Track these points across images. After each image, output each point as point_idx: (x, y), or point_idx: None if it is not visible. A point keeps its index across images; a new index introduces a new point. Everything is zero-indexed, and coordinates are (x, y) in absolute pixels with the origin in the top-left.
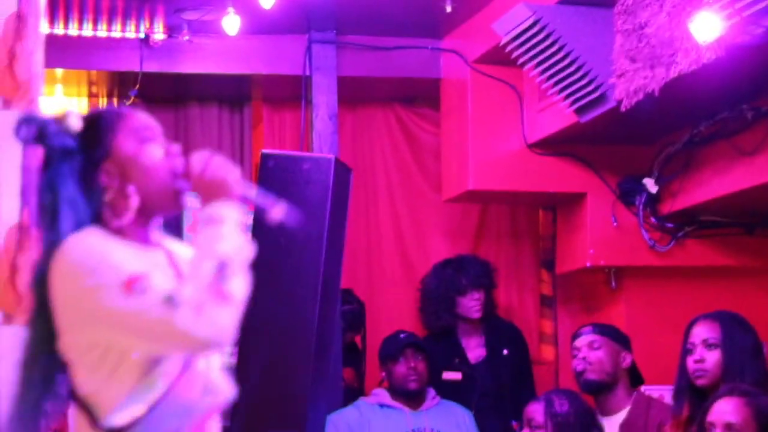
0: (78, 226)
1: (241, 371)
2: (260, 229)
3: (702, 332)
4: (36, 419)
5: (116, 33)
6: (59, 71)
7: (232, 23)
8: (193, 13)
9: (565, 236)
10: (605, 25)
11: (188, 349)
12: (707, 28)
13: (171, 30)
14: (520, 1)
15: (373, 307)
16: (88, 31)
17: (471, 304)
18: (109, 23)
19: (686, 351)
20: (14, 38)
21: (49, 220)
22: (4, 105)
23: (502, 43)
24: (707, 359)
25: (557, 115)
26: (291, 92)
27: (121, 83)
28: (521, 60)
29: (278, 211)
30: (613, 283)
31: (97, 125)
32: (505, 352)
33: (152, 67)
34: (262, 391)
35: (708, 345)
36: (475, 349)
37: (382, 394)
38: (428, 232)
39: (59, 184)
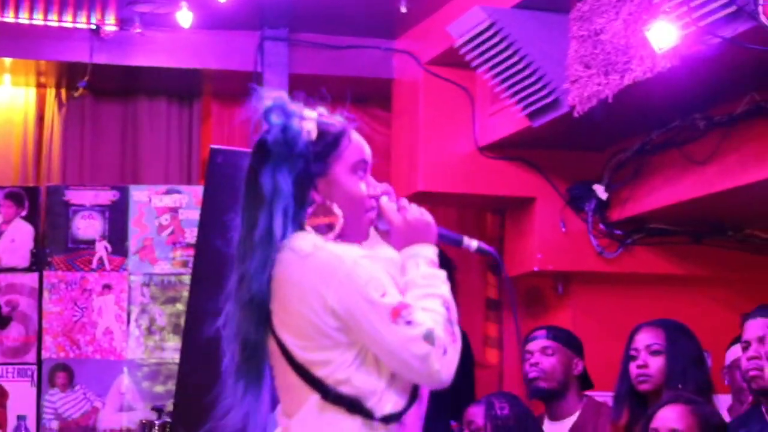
0: (286, 227)
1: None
2: (208, 225)
3: (646, 338)
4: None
5: (67, 23)
6: (7, 60)
7: (185, 17)
8: (145, 5)
9: (513, 240)
10: (560, 30)
11: (428, 384)
12: (663, 37)
13: (123, 22)
14: (475, 4)
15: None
16: (38, 19)
17: None
18: (60, 12)
19: (629, 357)
20: None
21: (265, 210)
22: None
23: (456, 46)
24: (651, 365)
25: (509, 119)
26: (241, 88)
27: (70, 74)
28: (475, 63)
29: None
30: (560, 289)
31: (327, 141)
32: None
33: (102, 58)
34: (204, 388)
35: (652, 351)
36: None
37: None
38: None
39: (281, 180)
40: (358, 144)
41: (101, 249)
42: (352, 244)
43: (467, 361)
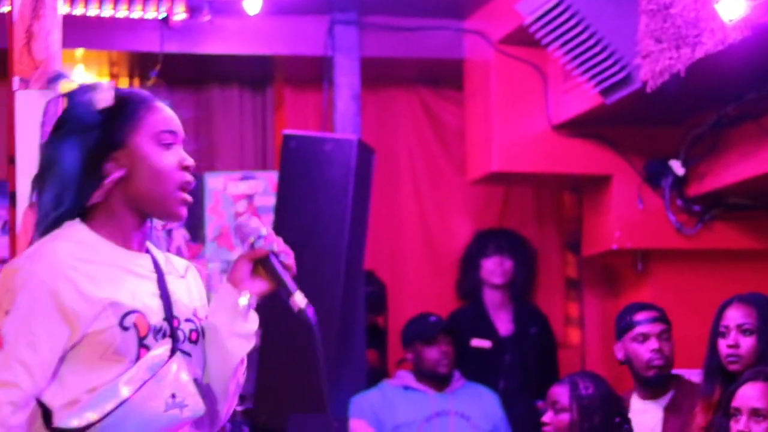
0: (57, 203)
1: (264, 354)
2: (283, 210)
3: (737, 316)
4: None
5: (137, 13)
6: (80, 51)
7: (253, 3)
8: None
9: (590, 219)
10: (630, 5)
11: None
12: (733, 8)
13: (192, 10)
14: None
15: (396, 289)
16: (108, 11)
17: (492, 268)
18: (130, 3)
19: (718, 333)
20: (32, 17)
21: (38, 186)
22: (22, 84)
23: (526, 24)
24: (742, 345)
25: (582, 96)
26: (313, 73)
27: (141, 64)
28: (545, 41)
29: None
30: (640, 266)
31: (124, 110)
32: (532, 330)
33: (173, 47)
34: (286, 374)
35: (743, 330)
36: (503, 323)
37: (407, 377)
38: (451, 214)
39: (61, 154)
40: (162, 113)
41: (179, 237)
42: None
43: (549, 341)
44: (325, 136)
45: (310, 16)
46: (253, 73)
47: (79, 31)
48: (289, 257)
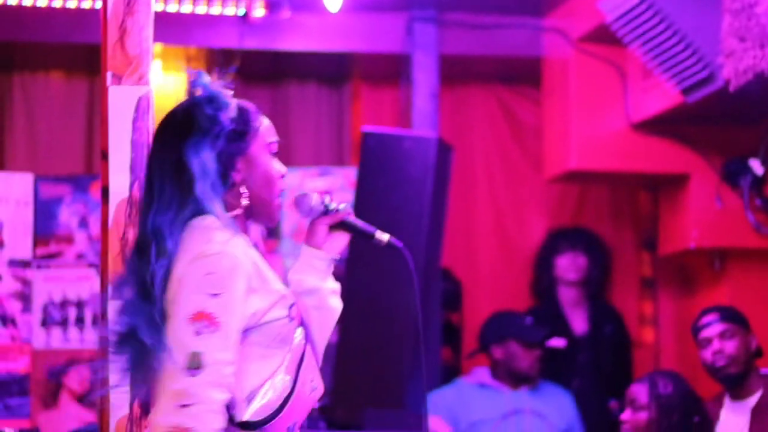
0: (209, 201)
1: (343, 350)
2: (362, 207)
3: None
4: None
5: (216, 9)
6: (158, 47)
7: (333, 1)
8: None
9: (667, 217)
10: (713, 3)
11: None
12: None
13: (271, 7)
14: None
15: (471, 287)
16: (187, 7)
17: (566, 265)
18: (209, 0)
19: None
20: (125, 13)
21: (184, 180)
22: (115, 80)
23: (607, 22)
24: None
25: (662, 95)
26: (390, 70)
27: (219, 60)
28: (627, 39)
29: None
30: (717, 266)
31: (245, 120)
32: (607, 329)
33: (251, 44)
34: (364, 369)
35: None
36: (578, 322)
37: (483, 374)
38: (527, 212)
39: (203, 153)
40: (269, 125)
41: (256, 233)
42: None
43: (624, 341)
44: (405, 134)
45: (389, 13)
46: (330, 70)
47: (157, 27)
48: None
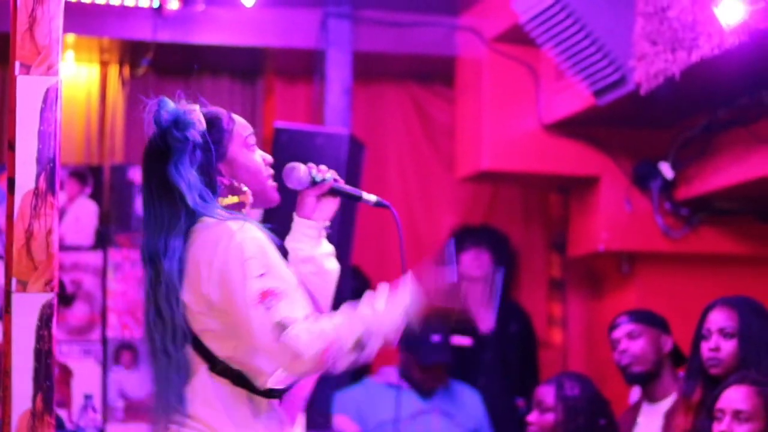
0: (202, 207)
1: None
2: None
3: (719, 319)
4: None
5: (130, 1)
6: (71, 37)
7: None
8: None
9: (577, 219)
10: (626, 6)
11: (283, 367)
12: (731, 13)
13: (185, 0)
14: None
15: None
16: None
17: (469, 261)
18: None
19: (701, 336)
20: (35, 2)
21: (174, 197)
22: (23, 70)
23: (521, 23)
24: (722, 348)
25: (574, 97)
26: (304, 66)
27: (133, 52)
28: (540, 40)
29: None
30: (626, 268)
31: (217, 128)
32: (513, 328)
33: (165, 36)
34: None
35: (724, 334)
36: (482, 320)
37: (391, 374)
38: (439, 211)
39: (183, 170)
40: (241, 122)
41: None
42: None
43: (530, 339)
44: (317, 130)
45: (304, 8)
46: (244, 64)
47: (71, 17)
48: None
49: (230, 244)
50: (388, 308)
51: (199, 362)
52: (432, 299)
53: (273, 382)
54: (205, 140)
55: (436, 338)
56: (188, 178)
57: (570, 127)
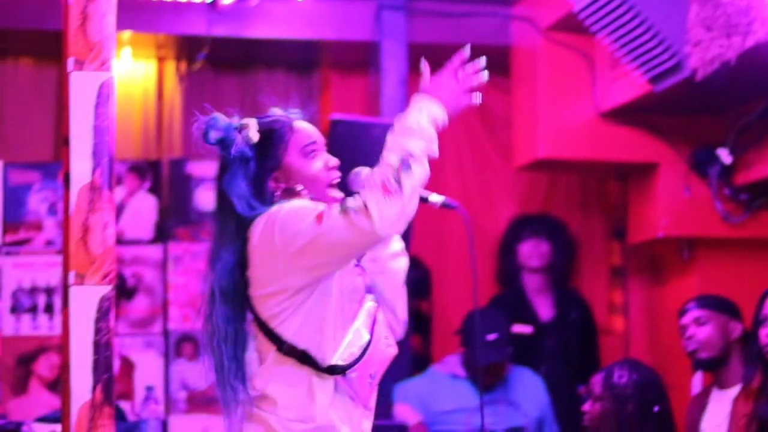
0: (250, 212)
1: None
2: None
3: None
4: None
5: None
6: (127, 34)
7: None
8: None
9: (637, 206)
10: None
11: (370, 241)
12: None
13: None
14: None
15: (440, 274)
16: None
17: (528, 251)
18: None
19: (758, 321)
20: None
21: (228, 207)
22: (77, 66)
23: (575, 11)
24: None
25: (630, 84)
26: (359, 58)
27: (189, 47)
28: (594, 28)
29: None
30: (685, 254)
31: (271, 139)
32: (573, 315)
33: (220, 31)
34: None
35: None
36: (544, 309)
37: (455, 364)
38: (497, 200)
39: (233, 182)
40: (302, 130)
41: None
42: None
43: (590, 327)
44: (373, 121)
45: (358, 0)
46: (299, 58)
47: (126, 14)
48: None
49: (279, 214)
50: (410, 120)
51: (269, 346)
52: (446, 98)
53: (336, 359)
54: (258, 152)
55: (491, 336)
56: (238, 189)
57: (627, 115)
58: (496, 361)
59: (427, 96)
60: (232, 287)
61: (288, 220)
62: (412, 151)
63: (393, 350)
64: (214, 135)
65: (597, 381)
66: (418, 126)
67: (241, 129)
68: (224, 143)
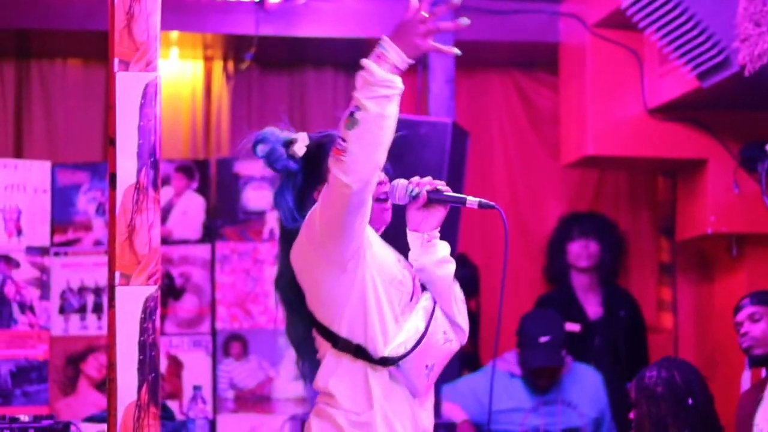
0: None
1: None
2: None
3: None
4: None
5: None
6: (174, 34)
7: None
8: None
9: (685, 203)
10: None
11: (345, 200)
12: None
13: None
14: None
15: (488, 272)
16: None
17: (577, 251)
18: None
19: None
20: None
21: (281, 222)
22: (122, 66)
23: (623, 7)
24: None
25: (678, 80)
26: None
27: (236, 46)
28: (642, 24)
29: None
30: (735, 251)
31: (318, 153)
32: (622, 313)
33: (268, 30)
34: None
35: None
36: (592, 307)
37: (513, 362)
38: (544, 198)
39: (281, 198)
40: None
41: (272, 219)
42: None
43: (638, 324)
44: (420, 119)
45: None
46: (347, 56)
47: (173, 14)
48: (437, 183)
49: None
50: (363, 71)
51: (326, 344)
52: (405, 41)
53: (389, 351)
54: (305, 166)
55: (544, 339)
56: (284, 202)
57: (675, 111)
58: (547, 366)
59: (388, 39)
60: (291, 296)
61: (306, 220)
62: (358, 103)
63: (452, 346)
64: (261, 149)
65: (632, 387)
66: (370, 74)
67: (289, 143)
68: (271, 157)
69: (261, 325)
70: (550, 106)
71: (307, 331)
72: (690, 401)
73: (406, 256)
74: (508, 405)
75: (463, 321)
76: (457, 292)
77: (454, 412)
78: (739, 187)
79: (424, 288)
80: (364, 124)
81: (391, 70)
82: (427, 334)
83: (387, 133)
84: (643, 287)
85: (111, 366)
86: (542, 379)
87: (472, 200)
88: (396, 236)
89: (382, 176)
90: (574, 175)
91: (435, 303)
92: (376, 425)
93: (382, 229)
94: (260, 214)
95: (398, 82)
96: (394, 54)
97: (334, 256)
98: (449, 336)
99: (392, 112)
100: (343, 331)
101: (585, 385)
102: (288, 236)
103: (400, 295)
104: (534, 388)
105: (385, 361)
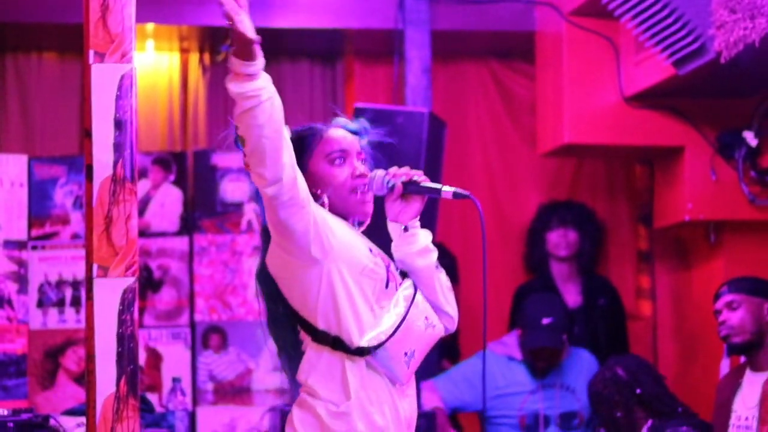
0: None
1: None
2: None
3: None
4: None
5: None
6: (150, 26)
7: None
8: None
9: (662, 190)
10: None
11: (273, 199)
12: None
13: None
14: None
15: (467, 262)
16: None
17: (556, 240)
18: None
19: None
20: None
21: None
22: (97, 58)
23: None
24: None
25: (654, 68)
26: (383, 47)
27: (212, 38)
28: (618, 12)
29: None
30: (712, 238)
31: (299, 147)
32: (601, 302)
33: None
34: None
35: None
36: (572, 295)
37: (512, 346)
38: (522, 187)
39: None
40: (332, 138)
41: (250, 211)
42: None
43: (618, 313)
44: (397, 109)
45: None
46: (323, 47)
47: (149, 6)
48: (413, 173)
49: None
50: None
51: (306, 337)
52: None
53: (364, 342)
54: None
55: (546, 320)
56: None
57: (652, 99)
58: (550, 347)
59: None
60: (270, 290)
61: None
62: (236, 122)
63: (435, 331)
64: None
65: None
66: (232, 94)
67: None
68: None
69: (240, 317)
70: (527, 95)
71: (287, 324)
72: (638, 390)
73: (389, 248)
74: (507, 389)
75: (452, 309)
76: (444, 280)
77: (430, 400)
78: (716, 174)
79: (405, 275)
80: (249, 139)
81: (243, 80)
82: (405, 321)
83: (273, 136)
84: (622, 275)
85: (90, 358)
86: (542, 361)
87: (447, 190)
88: (376, 227)
89: (362, 168)
90: (551, 164)
91: (416, 289)
92: (353, 416)
93: (367, 221)
94: (238, 206)
95: (253, 87)
96: (236, 63)
97: (294, 253)
98: (432, 321)
99: (266, 118)
100: (320, 324)
101: (582, 369)
102: (268, 231)
103: (373, 283)
104: (533, 372)
105: (362, 351)
